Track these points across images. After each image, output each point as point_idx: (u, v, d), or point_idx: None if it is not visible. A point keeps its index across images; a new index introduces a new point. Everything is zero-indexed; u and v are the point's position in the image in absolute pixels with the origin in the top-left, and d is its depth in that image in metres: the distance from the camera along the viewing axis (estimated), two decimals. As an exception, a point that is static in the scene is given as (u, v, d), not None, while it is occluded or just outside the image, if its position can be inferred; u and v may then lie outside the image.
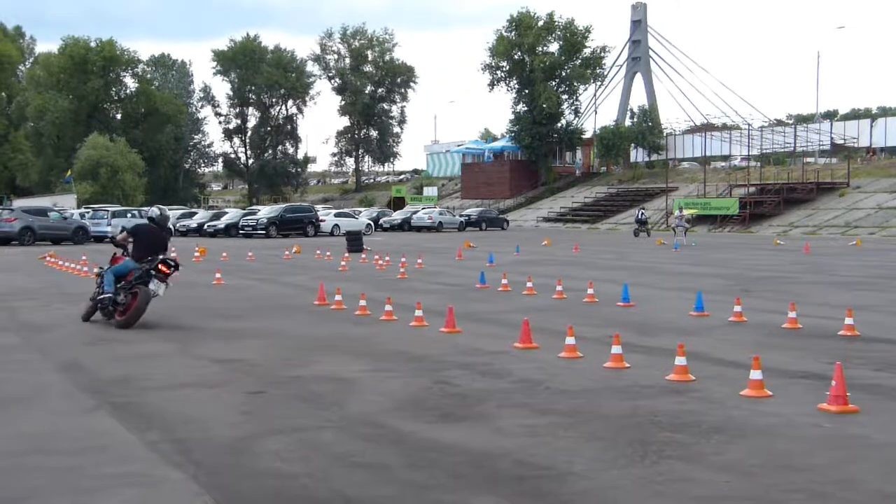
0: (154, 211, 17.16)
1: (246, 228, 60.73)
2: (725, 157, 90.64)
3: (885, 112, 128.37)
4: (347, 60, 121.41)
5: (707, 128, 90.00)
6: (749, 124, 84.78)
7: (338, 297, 18.82)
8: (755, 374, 9.89)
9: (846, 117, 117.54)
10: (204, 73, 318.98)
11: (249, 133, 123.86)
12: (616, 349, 11.74)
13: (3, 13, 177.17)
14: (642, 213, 60.48)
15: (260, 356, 12.79)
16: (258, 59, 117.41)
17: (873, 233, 56.44)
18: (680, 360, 10.81)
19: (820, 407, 9.17)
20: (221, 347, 13.63)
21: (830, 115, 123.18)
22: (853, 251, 39.99)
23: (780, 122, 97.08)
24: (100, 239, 51.94)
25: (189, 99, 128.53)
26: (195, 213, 70.11)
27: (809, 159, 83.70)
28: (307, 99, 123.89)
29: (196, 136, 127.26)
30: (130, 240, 16.53)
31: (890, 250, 40.17)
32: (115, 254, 17.09)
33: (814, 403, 9.32)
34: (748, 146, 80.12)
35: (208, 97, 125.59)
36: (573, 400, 9.77)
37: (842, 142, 79.66)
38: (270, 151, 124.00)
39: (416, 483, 6.97)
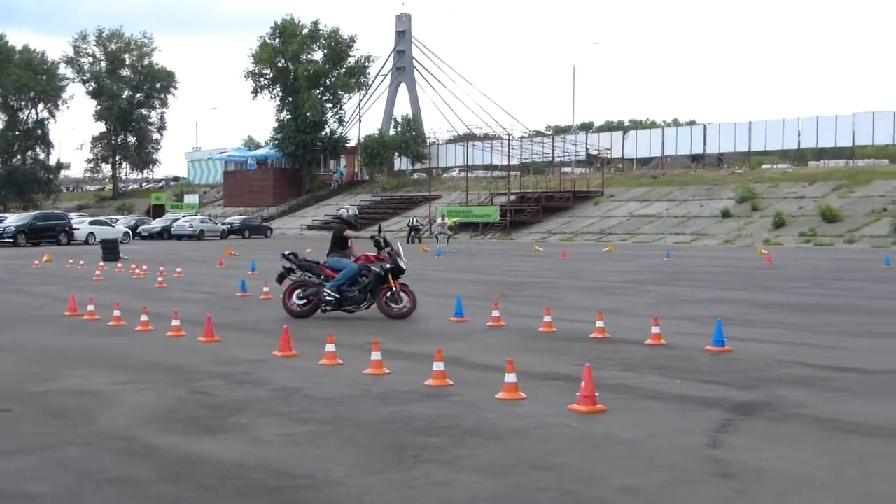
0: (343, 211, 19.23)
1: (-7, 236, 57.82)
2: (487, 167, 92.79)
3: (636, 125, 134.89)
4: (103, 64, 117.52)
5: (469, 137, 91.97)
6: (510, 135, 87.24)
7: (91, 308, 18.18)
8: (510, 378, 10.14)
9: (601, 129, 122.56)
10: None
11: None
12: (376, 355, 11.79)
13: None
14: (416, 220, 61.27)
15: (5, 370, 12.19)
16: (5, 60, 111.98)
17: (625, 239, 59.05)
18: (438, 366, 10.95)
19: (570, 408, 9.47)
20: (-37, 362, 12.93)
21: (586, 127, 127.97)
22: (607, 257, 41.68)
23: (539, 133, 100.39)
24: None
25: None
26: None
27: (567, 169, 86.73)
28: (59, 103, 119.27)
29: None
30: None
31: (640, 256, 42.11)
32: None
33: (565, 404, 9.62)
34: (509, 156, 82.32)
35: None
36: (333, 407, 9.76)
37: (597, 153, 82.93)
38: (19, 157, 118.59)
39: (167, 497, 6.79)
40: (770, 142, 73.58)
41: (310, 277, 18.04)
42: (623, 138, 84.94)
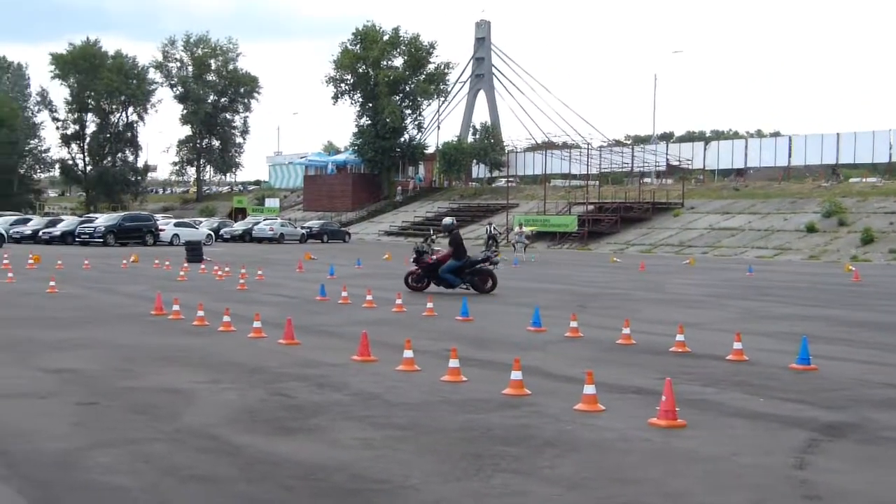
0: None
1: (83, 236, 58.95)
2: (565, 176, 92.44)
3: (718, 135, 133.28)
4: (190, 69, 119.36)
5: (548, 146, 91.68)
6: (589, 144, 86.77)
7: (176, 308, 18.48)
8: (588, 389, 10.09)
9: (682, 139, 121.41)
10: (41, 77, 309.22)
11: (88, 139, 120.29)
12: (453, 363, 11.82)
13: None
14: (493, 228, 61.18)
15: (93, 366, 12.46)
16: (98, 65, 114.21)
17: (705, 252, 58.38)
18: (516, 375, 10.94)
19: (650, 421, 9.40)
20: (54, 357, 13.22)
21: (667, 137, 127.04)
22: (686, 270, 41.26)
23: (618, 143, 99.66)
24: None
25: (25, 103, 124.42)
26: (30, 220, 67.80)
27: (646, 179, 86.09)
28: (148, 106, 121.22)
29: (32, 141, 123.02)
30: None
31: (721, 269, 41.61)
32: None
33: (644, 418, 9.56)
34: (588, 165, 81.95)
35: (45, 101, 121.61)
36: (410, 413, 9.81)
37: (677, 163, 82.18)
38: (109, 159, 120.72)
39: (249, 496, 6.89)
40: (859, 154, 72.24)
41: None
42: (704, 149, 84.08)
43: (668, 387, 9.45)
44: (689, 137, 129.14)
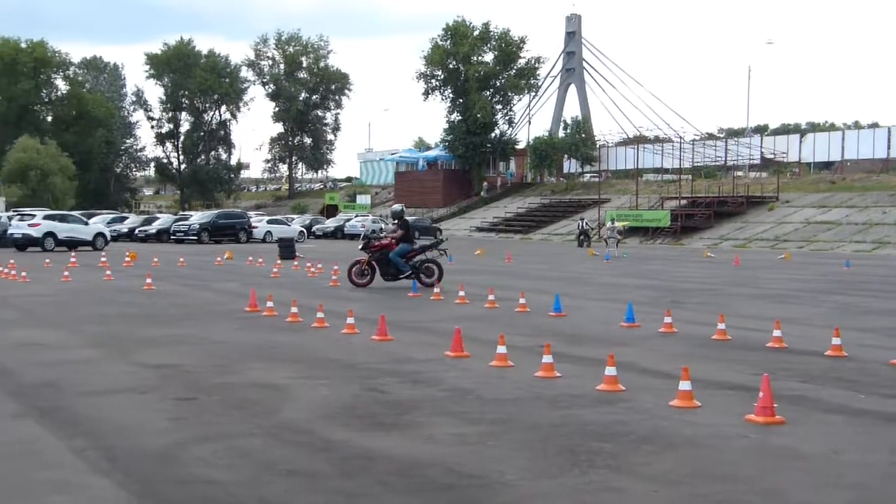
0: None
1: (178, 234, 60.03)
2: (657, 170, 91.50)
3: (814, 127, 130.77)
4: (282, 66, 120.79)
5: (639, 140, 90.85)
6: (681, 137, 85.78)
7: (269, 304, 18.71)
8: (684, 385, 9.98)
9: (776, 132, 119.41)
10: (136, 77, 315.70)
11: (182, 138, 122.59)
12: (547, 358, 11.78)
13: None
14: (586, 223, 60.90)
15: (190, 362, 12.67)
16: (192, 64, 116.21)
17: (801, 247, 57.35)
18: (610, 371, 10.87)
19: (747, 418, 9.27)
20: (151, 353, 13.47)
21: (761, 130, 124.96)
22: (782, 265, 40.58)
23: (711, 136, 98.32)
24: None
25: (121, 102, 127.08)
26: (126, 218, 69.28)
27: (740, 173, 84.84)
28: (241, 105, 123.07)
29: (128, 140, 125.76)
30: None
31: (817, 264, 40.83)
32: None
33: (741, 414, 9.42)
34: (680, 159, 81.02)
35: (141, 101, 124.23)
36: (504, 409, 9.80)
37: (772, 156, 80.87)
38: (203, 157, 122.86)
39: (345, 491, 6.94)
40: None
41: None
42: (800, 141, 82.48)
43: (765, 383, 9.30)
44: (784, 130, 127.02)
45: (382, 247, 24.53)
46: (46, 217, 48.43)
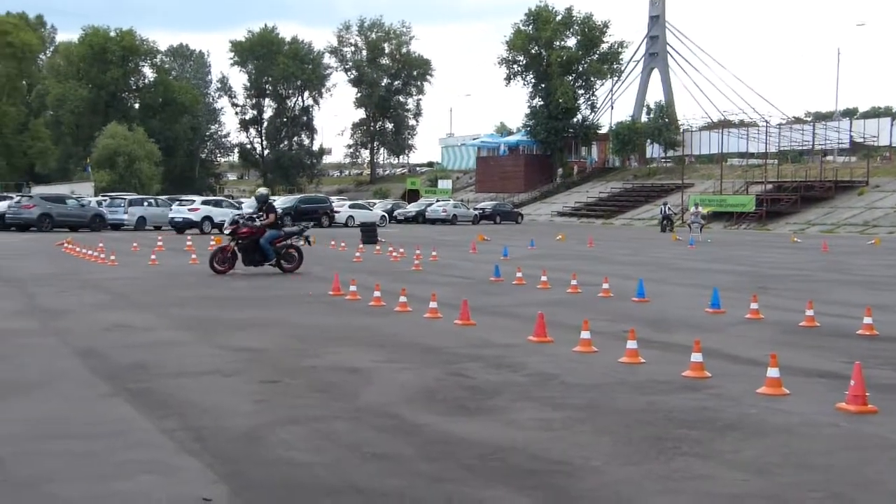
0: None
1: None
2: (742, 154, 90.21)
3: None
4: (364, 53, 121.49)
5: (724, 124, 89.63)
6: (767, 121, 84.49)
7: (353, 288, 18.79)
8: (772, 372, 9.81)
9: (866, 115, 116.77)
10: (221, 64, 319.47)
11: (265, 124, 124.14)
12: (631, 344, 11.67)
13: (25, 2, 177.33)
14: (669, 208, 60.35)
15: (275, 346, 12.78)
16: (275, 51, 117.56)
17: (892, 232, 56.16)
18: (696, 357, 10.73)
19: (838, 406, 9.08)
20: (237, 336, 13.61)
21: (850, 113, 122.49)
22: (872, 250, 39.80)
23: (798, 120, 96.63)
24: (117, 226, 52.23)
25: (206, 89, 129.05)
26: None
27: (828, 157, 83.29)
28: (323, 91, 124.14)
29: (212, 127, 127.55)
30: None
31: (907, 250, 39.95)
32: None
33: (832, 403, 9.23)
34: (766, 143, 79.76)
35: (225, 88, 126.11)
36: (588, 394, 9.73)
37: (861, 140, 79.23)
38: (286, 142, 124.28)
39: (428, 475, 6.94)
40: None
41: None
42: (891, 125, 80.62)
43: (857, 370, 9.10)
44: (875, 113, 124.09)
45: (251, 233, 23.73)
46: (204, 202, 53.94)
